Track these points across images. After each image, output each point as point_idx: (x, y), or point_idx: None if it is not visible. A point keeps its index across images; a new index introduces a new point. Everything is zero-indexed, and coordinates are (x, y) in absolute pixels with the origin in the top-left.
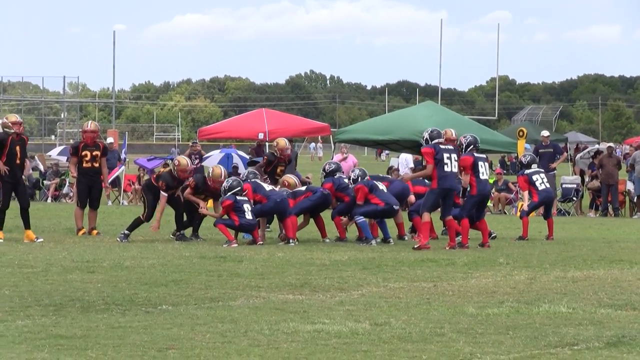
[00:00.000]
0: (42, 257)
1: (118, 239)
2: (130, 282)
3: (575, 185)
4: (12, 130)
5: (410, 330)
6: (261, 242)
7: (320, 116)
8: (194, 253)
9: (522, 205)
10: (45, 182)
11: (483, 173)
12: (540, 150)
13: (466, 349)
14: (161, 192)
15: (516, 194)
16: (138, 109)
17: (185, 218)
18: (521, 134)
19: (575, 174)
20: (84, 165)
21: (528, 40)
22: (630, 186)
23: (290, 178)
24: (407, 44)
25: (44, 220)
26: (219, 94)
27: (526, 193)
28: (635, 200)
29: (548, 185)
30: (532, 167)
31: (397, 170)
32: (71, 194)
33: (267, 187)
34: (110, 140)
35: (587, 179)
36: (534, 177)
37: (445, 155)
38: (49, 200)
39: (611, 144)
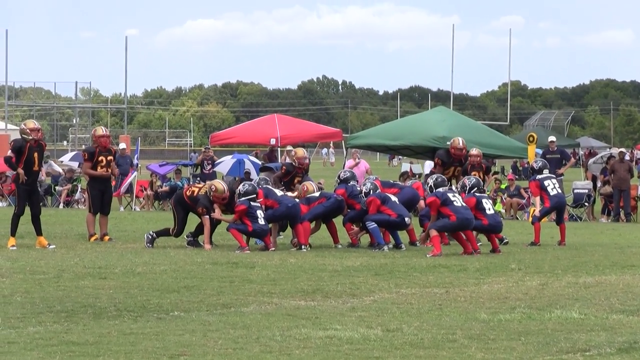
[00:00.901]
0: (54, 264)
1: (145, 239)
2: (142, 288)
3: (587, 191)
4: (30, 137)
5: (423, 337)
6: (273, 248)
7: (333, 121)
8: (206, 259)
9: (534, 210)
10: (57, 187)
11: (489, 209)
12: (547, 156)
13: (478, 355)
14: (203, 217)
15: (528, 200)
16: (150, 115)
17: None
18: (531, 139)
19: (587, 179)
20: (99, 170)
21: (540, 44)
22: None
23: (310, 185)
24: (419, 48)
25: (56, 226)
26: (231, 99)
27: (537, 199)
28: None
29: (560, 191)
30: (544, 172)
31: (413, 175)
32: (83, 200)
33: (279, 192)
34: (122, 145)
35: (599, 184)
36: (546, 183)
37: (450, 195)
38: (61, 206)
39: (622, 149)
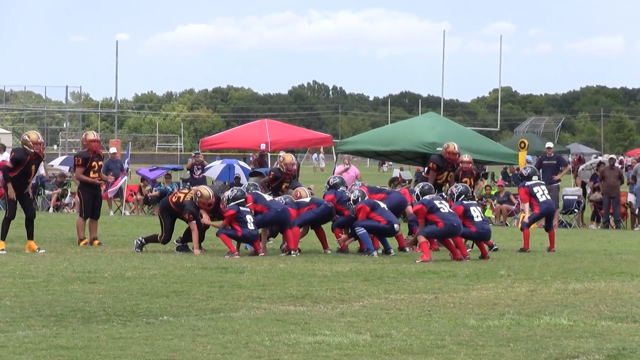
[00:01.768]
0: (44, 268)
1: (134, 244)
2: (132, 292)
3: (576, 197)
4: (32, 150)
5: (411, 342)
6: (263, 254)
7: (323, 127)
8: (196, 264)
9: (523, 217)
10: (47, 191)
11: (478, 216)
12: (544, 162)
13: None
14: (190, 222)
15: (518, 206)
16: (140, 119)
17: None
18: (522, 145)
19: (577, 186)
20: (92, 175)
21: (530, 51)
22: (631, 198)
23: (303, 190)
24: (410, 54)
25: (45, 230)
26: (222, 104)
27: (527, 205)
28: (637, 212)
29: (549, 197)
30: (533, 179)
31: (403, 181)
32: (73, 204)
33: (268, 197)
34: (113, 150)
35: (588, 190)
36: (535, 189)
37: (437, 203)
38: (51, 210)
39: (613, 156)
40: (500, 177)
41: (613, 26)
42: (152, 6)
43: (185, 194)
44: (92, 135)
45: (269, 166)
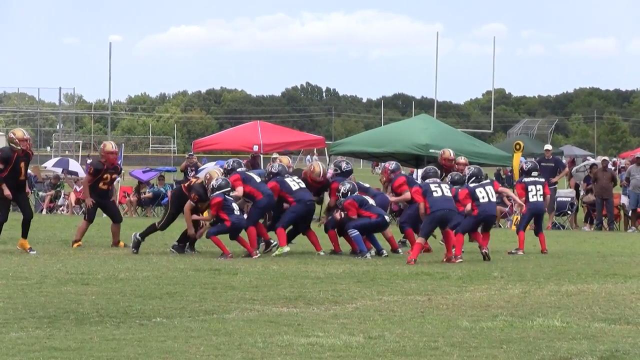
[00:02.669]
0: (37, 269)
1: (131, 244)
2: (125, 294)
3: (570, 199)
4: (19, 147)
5: (404, 344)
6: (257, 256)
7: (316, 129)
8: (189, 265)
9: (517, 218)
10: (40, 193)
11: (484, 197)
12: (542, 164)
13: None
14: (189, 201)
15: (511, 208)
16: (134, 121)
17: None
18: (518, 147)
19: (570, 187)
20: (100, 186)
21: (524, 53)
22: (625, 200)
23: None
24: (403, 56)
25: (39, 232)
26: (215, 105)
27: (523, 200)
28: (630, 214)
29: (540, 198)
30: (532, 174)
31: None
32: (67, 206)
33: (257, 178)
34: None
35: (582, 192)
36: (529, 187)
37: (432, 186)
38: (44, 211)
39: (605, 158)
40: (494, 178)
41: (606, 28)
42: (144, 8)
43: (198, 179)
44: (109, 146)
45: (262, 168)
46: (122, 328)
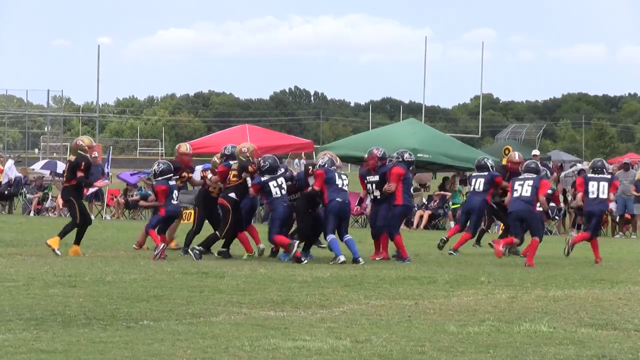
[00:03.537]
0: (24, 271)
1: (193, 255)
2: (112, 297)
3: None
4: (88, 155)
5: (391, 348)
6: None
7: (305, 132)
8: (176, 268)
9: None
10: (28, 195)
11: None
12: None
13: None
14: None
15: None
16: (122, 123)
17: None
18: (507, 152)
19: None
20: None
21: (512, 58)
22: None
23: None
24: (391, 61)
25: (26, 234)
26: (203, 109)
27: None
28: (617, 219)
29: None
30: (524, 174)
31: None
32: (54, 207)
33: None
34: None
35: (570, 197)
36: (516, 184)
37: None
38: (32, 213)
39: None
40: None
41: (595, 34)
42: (133, 10)
43: (206, 172)
44: (184, 147)
45: None
46: (109, 331)
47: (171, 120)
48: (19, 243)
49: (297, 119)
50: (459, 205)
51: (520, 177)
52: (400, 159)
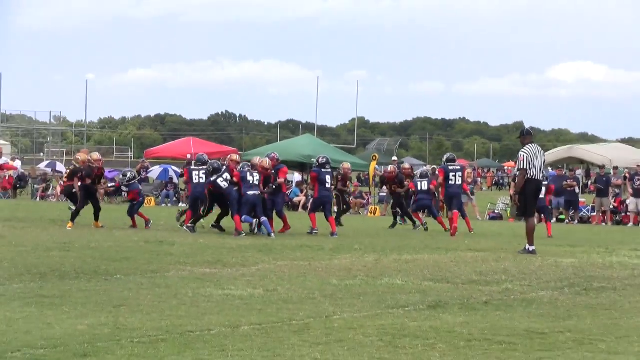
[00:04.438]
0: (32, 239)
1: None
2: (95, 258)
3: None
4: (95, 166)
5: (292, 295)
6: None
7: (232, 143)
8: (140, 238)
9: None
10: (35, 186)
11: (328, 182)
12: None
13: (330, 309)
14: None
15: (368, 201)
16: (103, 135)
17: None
18: (374, 157)
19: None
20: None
21: (378, 90)
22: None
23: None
24: (294, 92)
25: (34, 213)
26: (161, 125)
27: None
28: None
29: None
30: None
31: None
32: (54, 194)
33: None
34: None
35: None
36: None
37: (327, 176)
38: (38, 199)
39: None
40: (356, 179)
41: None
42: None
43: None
44: (234, 156)
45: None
46: (92, 282)
47: (138, 134)
48: (28, 219)
49: (227, 133)
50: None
51: (419, 178)
52: (316, 164)
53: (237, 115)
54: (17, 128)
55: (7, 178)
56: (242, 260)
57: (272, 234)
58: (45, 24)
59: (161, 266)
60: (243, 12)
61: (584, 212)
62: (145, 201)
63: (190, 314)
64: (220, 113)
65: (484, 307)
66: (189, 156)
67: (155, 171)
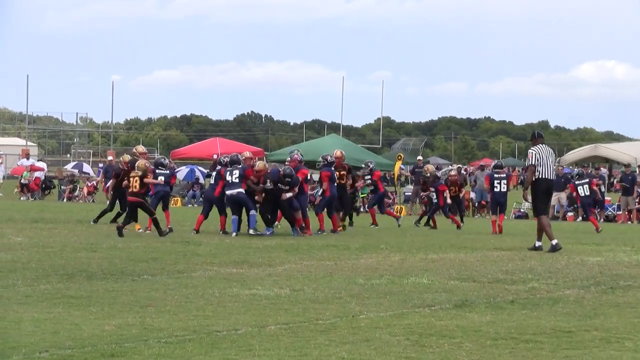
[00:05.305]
0: (59, 240)
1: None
2: (122, 258)
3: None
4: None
5: (318, 295)
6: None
7: (258, 143)
8: (166, 239)
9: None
10: (62, 187)
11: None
12: (416, 170)
13: (356, 308)
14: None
15: (393, 200)
16: (129, 136)
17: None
18: (399, 157)
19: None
20: None
21: (403, 91)
22: (473, 195)
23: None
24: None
25: (61, 214)
26: (187, 126)
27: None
28: (476, 205)
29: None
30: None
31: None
32: (81, 195)
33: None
34: (110, 157)
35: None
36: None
37: (336, 175)
38: (65, 200)
39: (460, 165)
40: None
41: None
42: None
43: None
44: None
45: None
46: (119, 282)
47: (164, 134)
48: (55, 220)
49: (253, 133)
50: (366, 195)
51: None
52: (325, 162)
53: (263, 115)
54: (44, 129)
55: (34, 179)
56: (269, 260)
57: (268, 231)
58: (71, 26)
59: (188, 266)
60: (267, 14)
61: (610, 211)
62: (172, 201)
63: (217, 314)
64: (246, 113)
65: (510, 305)
66: (215, 157)
67: (182, 171)
